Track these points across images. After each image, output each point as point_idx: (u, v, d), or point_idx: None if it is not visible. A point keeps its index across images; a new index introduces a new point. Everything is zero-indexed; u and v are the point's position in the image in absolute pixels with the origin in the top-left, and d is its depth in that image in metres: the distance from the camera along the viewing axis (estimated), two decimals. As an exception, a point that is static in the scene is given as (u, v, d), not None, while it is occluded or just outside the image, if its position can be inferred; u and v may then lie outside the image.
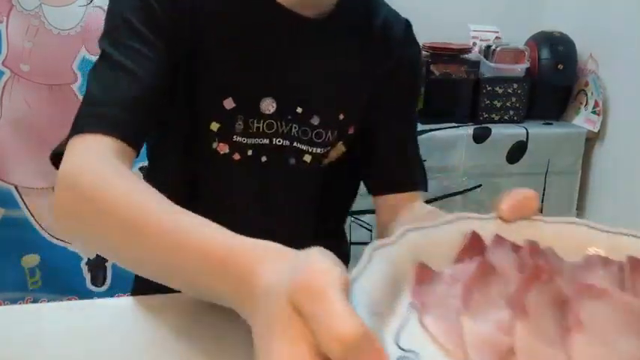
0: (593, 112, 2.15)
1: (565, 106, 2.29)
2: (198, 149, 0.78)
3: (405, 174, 0.87)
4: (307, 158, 0.81)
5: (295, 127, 0.78)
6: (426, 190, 0.87)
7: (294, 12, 0.76)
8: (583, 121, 2.19)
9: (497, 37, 2.25)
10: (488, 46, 2.15)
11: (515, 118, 2.17)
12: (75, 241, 0.66)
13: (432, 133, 1.98)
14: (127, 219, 0.52)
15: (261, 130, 0.77)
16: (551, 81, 2.20)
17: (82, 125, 0.71)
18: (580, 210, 2.23)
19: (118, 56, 0.69)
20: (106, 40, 0.72)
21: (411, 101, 0.91)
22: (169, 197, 0.54)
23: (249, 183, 0.80)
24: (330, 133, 0.80)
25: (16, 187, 1.63)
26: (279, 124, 0.77)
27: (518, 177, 2.11)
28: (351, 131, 0.82)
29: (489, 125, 2.09)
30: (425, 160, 2.10)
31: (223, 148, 0.77)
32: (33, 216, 1.66)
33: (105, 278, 1.77)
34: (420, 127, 2.01)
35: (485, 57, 2.14)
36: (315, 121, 0.79)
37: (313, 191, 0.86)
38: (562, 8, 2.35)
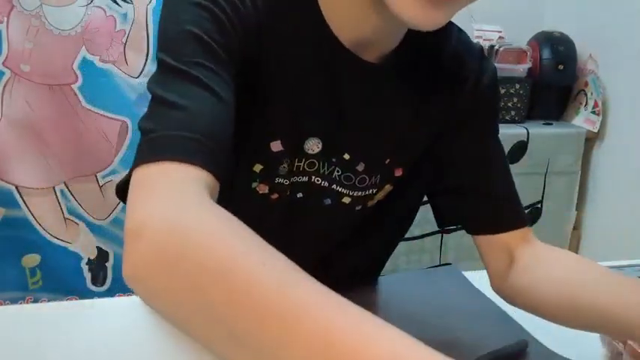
0: (593, 112, 2.15)
1: (565, 106, 2.29)
2: (237, 187, 0.72)
3: (511, 209, 0.80)
4: (346, 200, 0.77)
5: (338, 171, 0.74)
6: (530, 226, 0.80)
7: (355, 55, 0.69)
8: (583, 121, 2.19)
9: (500, 37, 2.25)
10: (492, 46, 2.15)
11: (517, 118, 2.17)
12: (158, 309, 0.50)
13: (433, 133, 1.98)
14: (283, 316, 0.37)
15: (301, 168, 0.72)
16: (552, 81, 2.20)
17: (163, 150, 0.49)
18: (579, 210, 2.23)
19: (195, 73, 0.55)
20: (169, 55, 0.56)
21: (494, 128, 0.85)
22: None
23: (279, 215, 0.76)
24: (374, 178, 0.76)
25: (16, 187, 1.63)
26: (321, 164, 0.73)
27: (518, 177, 2.08)
28: (398, 173, 0.78)
29: (490, 125, 2.09)
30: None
31: (263, 189, 0.72)
32: (33, 216, 1.66)
33: (105, 278, 1.77)
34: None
35: (489, 57, 2.14)
36: (361, 167, 0.74)
37: (349, 229, 0.83)
38: (562, 8, 2.35)
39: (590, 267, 0.71)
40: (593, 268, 0.70)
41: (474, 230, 0.82)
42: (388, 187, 0.79)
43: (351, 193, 0.76)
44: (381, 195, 0.80)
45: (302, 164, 0.71)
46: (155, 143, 0.50)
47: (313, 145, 0.70)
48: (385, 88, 0.72)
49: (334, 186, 0.75)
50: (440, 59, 0.76)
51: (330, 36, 0.66)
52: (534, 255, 0.75)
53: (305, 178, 0.73)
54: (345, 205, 0.77)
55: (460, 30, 0.78)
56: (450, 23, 0.72)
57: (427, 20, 0.58)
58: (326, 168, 0.73)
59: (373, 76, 0.71)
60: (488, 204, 0.80)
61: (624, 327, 0.62)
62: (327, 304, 0.39)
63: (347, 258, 0.87)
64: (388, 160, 0.76)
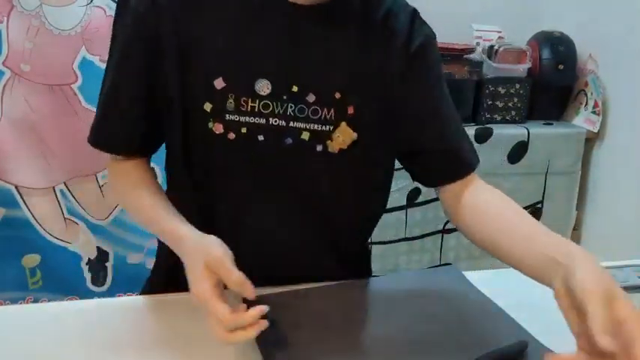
0: (593, 113, 2.15)
1: (565, 106, 2.29)
2: (195, 132, 0.83)
3: (458, 158, 0.91)
4: (305, 136, 0.83)
5: (292, 107, 0.82)
6: (478, 162, 0.93)
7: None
8: (583, 121, 2.19)
9: (500, 37, 2.25)
10: (491, 46, 2.15)
11: (517, 118, 2.17)
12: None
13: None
14: (141, 212, 0.89)
15: (256, 110, 0.81)
16: (552, 81, 2.20)
17: (97, 141, 0.92)
18: (580, 210, 2.23)
19: (109, 72, 0.88)
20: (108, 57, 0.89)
21: (438, 86, 0.92)
22: (177, 183, 0.93)
23: (246, 162, 0.84)
24: (326, 111, 0.83)
25: (16, 187, 1.63)
26: (274, 104, 0.81)
27: (518, 177, 2.11)
28: (350, 111, 0.84)
29: (491, 125, 2.09)
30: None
31: (218, 128, 0.81)
32: (33, 216, 1.65)
33: (105, 278, 1.77)
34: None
35: (488, 57, 2.14)
36: (311, 98, 0.82)
37: (322, 179, 0.87)
38: (561, 8, 2.35)
39: (505, 208, 0.85)
40: (507, 209, 0.84)
41: (429, 183, 0.96)
42: (348, 131, 0.84)
43: (307, 127, 0.83)
44: (340, 139, 0.84)
45: (256, 105, 0.81)
46: (94, 129, 0.93)
47: (263, 87, 0.81)
48: (322, 26, 0.82)
49: (291, 123, 0.82)
50: (374, 14, 0.86)
51: None
52: (471, 195, 0.89)
53: (262, 120, 0.82)
54: (305, 144, 0.83)
55: None
56: None
57: None
58: (280, 108, 0.81)
59: (309, 17, 0.81)
60: (437, 158, 0.91)
61: (511, 261, 0.80)
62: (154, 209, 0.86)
63: (325, 222, 0.91)
64: (338, 95, 0.83)
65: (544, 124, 2.19)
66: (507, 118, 2.16)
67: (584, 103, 2.20)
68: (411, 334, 0.82)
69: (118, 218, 1.74)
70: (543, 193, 2.15)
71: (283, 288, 0.92)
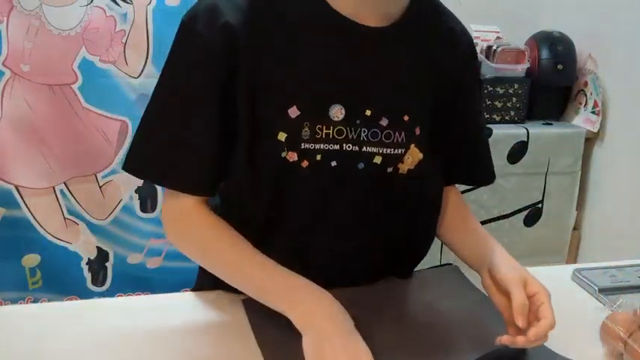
0: (593, 112, 2.15)
1: (565, 106, 2.29)
2: (266, 161, 0.80)
3: (486, 166, 1.01)
4: (377, 160, 0.83)
5: (364, 131, 0.81)
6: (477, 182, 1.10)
7: (354, 21, 0.80)
8: (582, 121, 2.19)
9: (498, 37, 2.25)
10: (490, 47, 2.15)
11: (516, 118, 2.17)
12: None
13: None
14: (229, 262, 0.84)
15: (331, 136, 0.80)
16: (551, 81, 2.20)
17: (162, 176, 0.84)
18: (580, 209, 2.23)
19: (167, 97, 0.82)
20: (165, 89, 0.82)
21: (476, 108, 1.01)
22: (246, 215, 0.85)
23: (316, 188, 0.83)
24: (398, 134, 0.83)
25: (16, 187, 1.63)
26: (348, 129, 0.80)
27: (518, 177, 2.11)
28: (417, 132, 0.85)
29: (490, 125, 2.09)
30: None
31: (292, 156, 0.79)
32: (33, 216, 1.65)
33: (105, 278, 1.77)
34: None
35: (487, 57, 2.14)
36: (384, 122, 0.82)
37: (390, 199, 0.88)
38: (560, 8, 2.35)
39: (458, 207, 1.00)
40: (460, 208, 1.00)
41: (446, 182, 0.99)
42: (416, 152, 0.85)
43: (380, 151, 0.83)
44: (410, 161, 0.85)
45: (331, 132, 0.79)
46: (154, 158, 0.84)
47: (337, 112, 0.79)
48: (389, 47, 0.83)
49: (364, 148, 0.82)
50: (439, 30, 0.89)
51: (327, 8, 0.80)
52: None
53: (337, 146, 0.80)
54: (376, 167, 0.83)
55: (454, 16, 0.94)
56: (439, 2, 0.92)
57: None
58: (354, 133, 0.80)
59: (375, 39, 0.81)
60: (467, 160, 0.99)
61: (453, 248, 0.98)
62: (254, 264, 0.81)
63: (382, 241, 0.91)
64: (407, 117, 0.83)
65: (544, 124, 2.19)
66: (507, 118, 2.16)
67: (584, 103, 2.20)
68: (412, 334, 0.82)
69: (118, 218, 1.74)
70: (543, 193, 2.15)
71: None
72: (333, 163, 0.81)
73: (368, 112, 0.81)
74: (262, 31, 0.78)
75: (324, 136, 0.79)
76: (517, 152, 2.09)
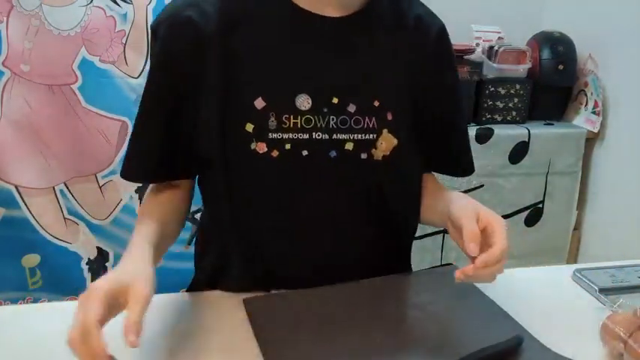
0: (593, 113, 2.15)
1: (565, 106, 2.29)
2: (237, 153, 0.83)
3: (466, 159, 1.01)
4: (349, 146, 0.84)
5: (333, 119, 0.83)
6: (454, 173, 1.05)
7: (316, 14, 0.83)
8: (583, 121, 2.19)
9: (499, 38, 2.25)
10: (491, 47, 2.14)
11: (518, 118, 2.16)
12: None
13: (433, 133, 1.98)
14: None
15: (299, 125, 0.82)
16: (552, 81, 2.19)
17: (128, 175, 0.90)
18: (580, 209, 2.23)
19: (144, 105, 0.88)
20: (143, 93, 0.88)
21: (457, 90, 0.99)
22: (216, 207, 0.90)
23: (290, 178, 0.85)
24: (368, 120, 0.84)
25: (16, 187, 1.63)
26: (316, 118, 0.82)
27: (519, 177, 2.11)
28: (389, 117, 0.86)
29: (492, 126, 2.09)
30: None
31: (262, 147, 0.81)
32: (33, 216, 1.66)
33: (105, 278, 1.77)
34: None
35: (488, 57, 2.14)
36: (352, 109, 0.84)
37: (368, 186, 0.89)
38: (561, 8, 2.35)
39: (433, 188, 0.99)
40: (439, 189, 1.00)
41: (428, 169, 1.00)
42: (389, 137, 0.85)
43: (351, 137, 0.84)
44: (384, 146, 0.85)
45: (298, 121, 0.81)
46: (127, 162, 0.91)
47: (304, 102, 0.82)
48: (352, 36, 0.85)
49: (334, 135, 0.83)
50: (406, 17, 0.89)
51: (288, 2, 0.83)
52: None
53: (306, 135, 0.82)
54: (349, 154, 0.84)
55: (427, 7, 0.95)
56: None
57: None
58: (322, 121, 0.82)
59: (337, 28, 0.83)
60: (448, 152, 0.99)
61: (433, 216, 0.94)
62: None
63: (364, 230, 0.92)
64: (377, 103, 0.85)
65: (544, 124, 2.19)
66: (508, 118, 2.16)
67: (585, 103, 2.20)
68: (412, 333, 0.82)
69: (118, 218, 1.74)
70: (544, 193, 2.15)
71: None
72: (305, 152, 0.83)
73: (335, 100, 0.83)
74: (228, 27, 0.81)
75: (291, 126, 0.81)
76: (518, 152, 2.09)
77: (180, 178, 0.91)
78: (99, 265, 1.75)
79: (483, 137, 2.05)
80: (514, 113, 2.16)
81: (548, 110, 2.25)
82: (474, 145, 2.04)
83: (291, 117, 0.81)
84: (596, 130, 2.13)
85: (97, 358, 0.61)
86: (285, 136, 0.81)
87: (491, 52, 2.14)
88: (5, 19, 1.55)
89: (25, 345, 0.79)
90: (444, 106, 0.95)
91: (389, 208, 0.92)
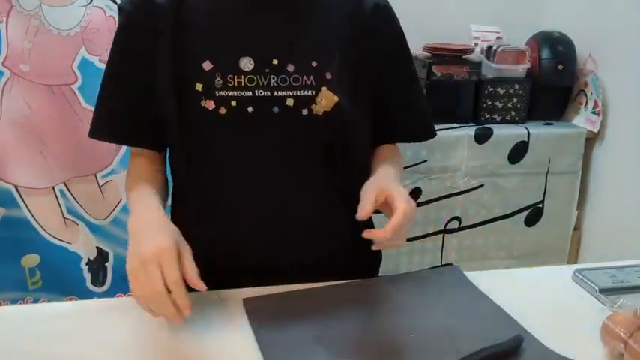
0: (593, 113, 2.15)
1: (565, 106, 2.29)
2: (190, 112, 0.92)
3: (424, 122, 1.10)
4: (290, 102, 0.91)
5: (274, 78, 0.91)
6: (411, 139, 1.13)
7: None
8: (583, 121, 2.19)
9: (498, 37, 2.25)
10: (490, 47, 2.14)
11: (517, 118, 2.16)
12: None
13: (433, 133, 1.98)
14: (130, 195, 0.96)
15: (243, 84, 0.90)
16: (552, 81, 2.19)
17: (96, 133, 1.00)
18: (580, 209, 2.23)
19: (107, 65, 0.97)
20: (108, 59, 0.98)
21: (401, 61, 1.05)
22: (177, 165, 1.01)
23: (239, 133, 0.92)
24: (307, 78, 0.92)
25: (16, 187, 1.63)
26: (258, 77, 0.90)
27: (519, 177, 2.11)
28: (329, 76, 0.92)
29: (491, 126, 2.09)
30: (426, 161, 2.10)
31: (210, 104, 0.90)
32: (33, 216, 1.65)
33: (105, 278, 1.77)
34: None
35: (487, 57, 2.14)
36: (291, 68, 0.91)
37: (312, 141, 0.95)
38: (560, 8, 2.35)
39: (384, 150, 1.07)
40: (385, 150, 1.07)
41: (387, 138, 1.08)
42: (329, 94, 0.92)
43: (290, 94, 0.91)
44: (324, 102, 0.92)
45: (242, 80, 0.90)
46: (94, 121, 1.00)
47: (247, 63, 0.90)
48: (297, 3, 0.94)
49: (275, 92, 0.91)
50: None
51: None
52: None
53: (249, 93, 0.90)
54: (291, 110, 0.91)
55: None
56: None
57: None
58: (264, 80, 0.91)
59: None
60: (406, 116, 1.07)
61: None
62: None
63: (311, 188, 0.97)
64: (314, 63, 0.92)
65: (544, 124, 2.19)
66: (507, 118, 2.16)
67: (584, 103, 2.20)
68: (412, 333, 0.82)
69: (118, 218, 1.74)
70: (544, 193, 2.15)
71: (287, 287, 0.92)
72: (250, 109, 0.91)
73: (275, 61, 0.91)
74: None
75: (236, 85, 0.90)
76: (518, 152, 2.09)
77: (146, 146, 1.01)
78: (99, 265, 1.75)
79: (482, 137, 2.05)
80: (513, 113, 2.16)
81: (547, 110, 2.25)
82: (473, 145, 2.05)
83: (235, 77, 0.90)
84: (595, 130, 2.13)
85: (183, 310, 0.76)
86: (231, 93, 0.90)
87: (490, 52, 2.14)
88: (5, 19, 1.55)
89: (25, 345, 0.79)
90: (394, 74, 1.02)
91: (335, 164, 0.98)
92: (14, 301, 1.67)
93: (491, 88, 2.12)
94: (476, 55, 2.17)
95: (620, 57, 2.07)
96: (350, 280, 0.95)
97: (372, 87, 1.00)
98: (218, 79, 0.90)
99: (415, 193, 2.03)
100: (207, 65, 0.90)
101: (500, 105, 2.14)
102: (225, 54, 0.91)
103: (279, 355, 0.76)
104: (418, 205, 2.03)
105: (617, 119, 2.11)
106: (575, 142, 2.14)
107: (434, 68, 2.03)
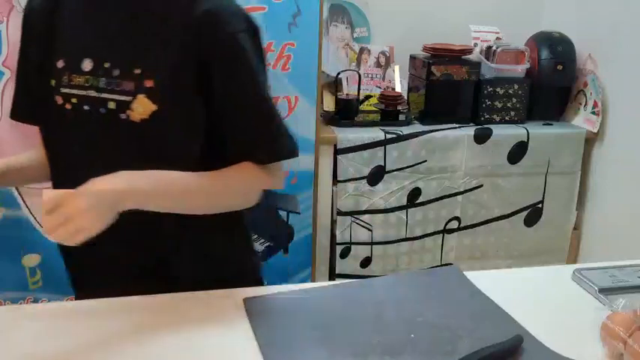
0: (593, 113, 2.15)
1: (565, 106, 2.29)
2: (47, 104, 0.99)
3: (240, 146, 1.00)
4: (112, 105, 0.96)
5: (103, 80, 0.96)
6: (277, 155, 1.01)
7: None
8: (582, 121, 2.19)
9: (497, 38, 2.25)
10: (489, 47, 2.15)
11: (516, 118, 2.17)
12: None
13: (434, 133, 1.98)
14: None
15: (81, 84, 0.97)
16: (551, 81, 2.20)
17: (11, 114, 1.12)
18: (580, 209, 2.23)
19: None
20: None
21: (235, 72, 0.98)
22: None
23: (77, 129, 0.98)
24: (127, 84, 0.95)
25: (16, 187, 1.63)
26: (92, 79, 0.97)
27: (519, 177, 2.11)
28: (149, 84, 0.94)
29: (490, 126, 2.10)
30: (425, 161, 2.10)
31: (59, 100, 0.98)
32: (33, 216, 1.65)
33: (105, 278, 1.77)
34: (421, 128, 2.02)
35: (486, 58, 2.14)
36: (116, 73, 0.96)
37: (127, 146, 0.97)
38: (560, 8, 2.35)
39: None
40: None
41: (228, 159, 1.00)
42: (147, 102, 0.94)
43: (112, 97, 0.95)
44: (141, 110, 0.94)
45: (82, 80, 0.97)
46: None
47: (87, 65, 0.97)
48: (126, 10, 0.98)
49: (102, 94, 0.96)
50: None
51: None
52: None
53: (84, 92, 0.97)
54: (113, 112, 0.95)
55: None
56: None
57: None
58: (95, 81, 0.97)
59: (115, 5, 0.98)
60: (239, 140, 1.00)
61: None
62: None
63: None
64: (138, 70, 0.95)
65: (544, 124, 2.19)
66: (507, 118, 2.16)
67: (584, 103, 2.20)
68: (412, 333, 0.82)
69: (118, 218, 1.74)
70: (543, 193, 2.15)
71: (287, 287, 0.92)
72: (86, 107, 0.97)
73: (107, 65, 0.96)
74: (50, 6, 1.01)
75: (77, 84, 0.97)
76: (517, 152, 2.09)
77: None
78: (99, 265, 1.75)
79: (482, 137, 2.05)
80: (512, 113, 2.16)
81: (546, 110, 2.25)
82: (472, 145, 2.05)
83: (77, 76, 0.97)
84: (595, 130, 2.13)
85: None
86: (72, 91, 0.97)
87: (489, 53, 2.14)
88: (5, 19, 1.55)
89: (25, 345, 0.79)
90: (224, 88, 0.97)
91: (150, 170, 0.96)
92: (14, 301, 1.67)
93: (491, 89, 2.12)
94: (475, 56, 2.18)
95: (619, 57, 2.07)
96: (350, 280, 0.95)
97: (205, 98, 0.97)
98: (65, 77, 0.98)
99: (415, 193, 2.03)
100: (60, 64, 0.99)
101: (499, 105, 2.14)
102: (73, 54, 0.99)
103: (279, 355, 0.76)
104: (418, 205, 2.03)
105: (616, 119, 2.11)
106: (574, 142, 2.14)
107: (433, 68, 2.03)
